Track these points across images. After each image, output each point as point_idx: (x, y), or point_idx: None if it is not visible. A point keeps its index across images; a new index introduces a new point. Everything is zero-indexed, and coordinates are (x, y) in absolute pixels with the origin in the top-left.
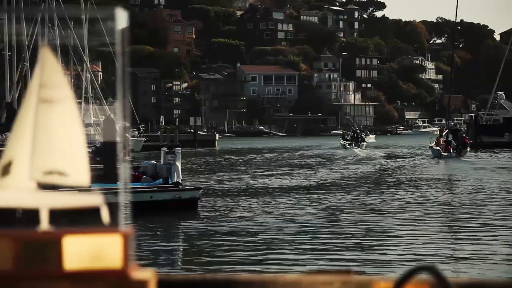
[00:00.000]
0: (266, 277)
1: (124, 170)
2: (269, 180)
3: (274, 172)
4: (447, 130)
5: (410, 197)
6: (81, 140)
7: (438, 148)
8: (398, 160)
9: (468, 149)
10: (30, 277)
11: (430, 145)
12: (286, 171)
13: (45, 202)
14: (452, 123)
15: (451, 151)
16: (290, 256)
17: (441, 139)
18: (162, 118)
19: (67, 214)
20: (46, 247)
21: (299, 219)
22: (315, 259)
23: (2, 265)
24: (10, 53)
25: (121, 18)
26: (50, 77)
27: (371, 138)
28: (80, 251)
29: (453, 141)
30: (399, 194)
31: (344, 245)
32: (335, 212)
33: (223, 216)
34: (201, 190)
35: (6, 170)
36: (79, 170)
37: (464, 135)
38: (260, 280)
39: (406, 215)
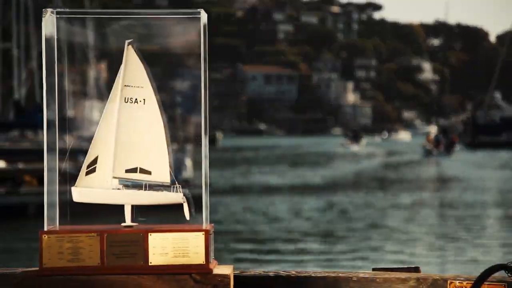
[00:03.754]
0: (340, 273)
1: (204, 168)
2: (272, 177)
3: (277, 169)
4: (439, 130)
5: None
6: (162, 139)
7: (427, 147)
8: (394, 157)
9: (458, 148)
10: (117, 271)
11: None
12: (288, 169)
13: (129, 199)
14: (446, 123)
15: (442, 149)
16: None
17: (431, 138)
18: None
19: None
20: (132, 243)
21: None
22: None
23: (91, 260)
24: (18, 49)
25: (203, 19)
26: (134, 77)
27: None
28: (165, 247)
29: (443, 140)
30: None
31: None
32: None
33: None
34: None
35: (91, 167)
36: (161, 167)
37: (453, 134)
38: (334, 276)
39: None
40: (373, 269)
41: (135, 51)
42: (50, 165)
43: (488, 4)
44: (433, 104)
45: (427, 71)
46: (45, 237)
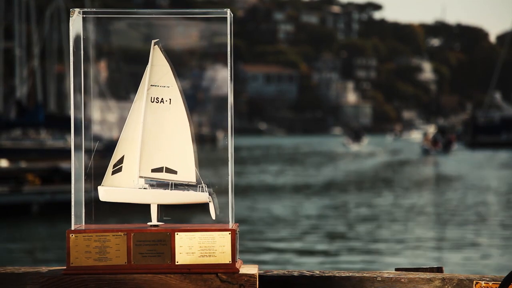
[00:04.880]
0: (364, 273)
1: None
2: (278, 176)
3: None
4: (437, 129)
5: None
6: (188, 138)
7: (426, 146)
8: (394, 156)
9: (456, 147)
10: (144, 270)
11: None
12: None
13: (155, 199)
14: (445, 123)
15: (440, 148)
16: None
17: (429, 138)
18: None
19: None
20: (159, 242)
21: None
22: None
23: (118, 259)
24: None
25: (230, 19)
26: (160, 76)
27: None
28: (191, 246)
29: (440, 139)
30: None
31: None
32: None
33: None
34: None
35: (118, 167)
36: (187, 167)
37: (450, 134)
38: (358, 276)
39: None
40: (396, 269)
41: (161, 50)
42: (75, 164)
43: (488, 4)
44: (433, 104)
45: (427, 71)
46: (72, 236)
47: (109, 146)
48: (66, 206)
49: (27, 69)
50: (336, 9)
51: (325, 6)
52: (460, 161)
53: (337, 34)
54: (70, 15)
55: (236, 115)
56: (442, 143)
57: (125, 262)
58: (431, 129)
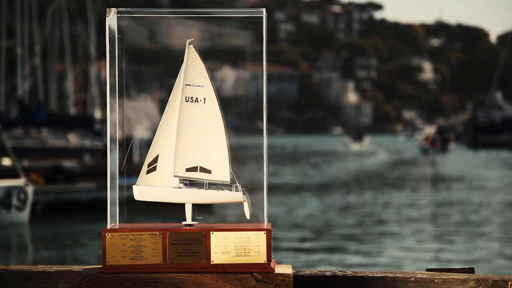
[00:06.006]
0: (397, 273)
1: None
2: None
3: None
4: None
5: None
6: (222, 138)
7: (424, 146)
8: (394, 155)
9: (454, 147)
10: (179, 269)
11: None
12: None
13: (190, 198)
14: (445, 123)
15: (438, 147)
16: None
17: (428, 137)
18: None
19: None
20: (195, 242)
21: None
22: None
23: (153, 258)
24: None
25: (265, 18)
26: (195, 76)
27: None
28: (226, 246)
29: (439, 139)
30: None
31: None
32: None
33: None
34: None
35: (152, 166)
36: (221, 166)
37: (448, 134)
38: (391, 276)
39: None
40: (427, 270)
41: (195, 50)
42: (109, 164)
43: (488, 4)
44: (433, 104)
45: (427, 71)
46: (108, 235)
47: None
48: (69, 206)
49: (29, 68)
50: (336, 8)
51: (326, 6)
52: (457, 160)
53: (338, 33)
54: (107, 15)
55: (236, 115)
56: (440, 143)
57: (161, 261)
58: (430, 129)
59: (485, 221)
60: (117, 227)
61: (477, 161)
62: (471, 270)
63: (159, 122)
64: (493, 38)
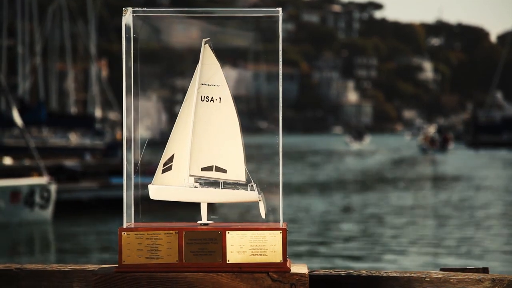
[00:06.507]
0: (412, 273)
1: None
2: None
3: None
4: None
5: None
6: (238, 137)
7: (424, 145)
8: (394, 154)
9: (453, 146)
10: (195, 269)
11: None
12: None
13: (206, 197)
14: (446, 123)
15: (437, 147)
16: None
17: (427, 137)
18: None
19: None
20: (211, 241)
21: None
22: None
23: (169, 257)
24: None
25: (281, 18)
26: (211, 76)
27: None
28: (242, 245)
29: (438, 138)
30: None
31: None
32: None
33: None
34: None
35: (168, 165)
36: (236, 165)
37: (447, 133)
38: (406, 276)
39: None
40: (441, 269)
41: (211, 49)
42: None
43: (488, 4)
44: (433, 104)
45: (428, 71)
46: (124, 234)
47: (112, 145)
48: (71, 205)
49: (29, 67)
50: (337, 8)
51: (326, 5)
52: (456, 159)
53: (338, 33)
54: (123, 14)
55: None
56: (439, 142)
57: (177, 260)
58: (429, 129)
59: (489, 221)
60: (133, 226)
61: (477, 161)
62: (485, 270)
63: (158, 122)
64: (493, 37)
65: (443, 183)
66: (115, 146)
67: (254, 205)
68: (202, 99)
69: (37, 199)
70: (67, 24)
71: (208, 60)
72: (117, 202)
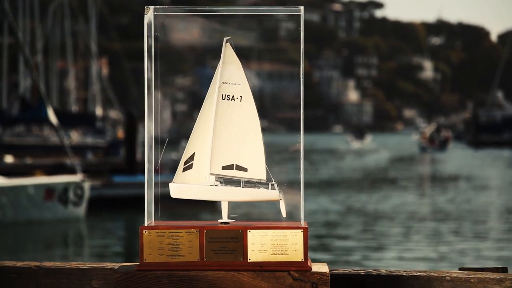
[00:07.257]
0: (432, 272)
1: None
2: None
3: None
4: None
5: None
6: (258, 136)
7: (422, 144)
8: (394, 153)
9: (452, 145)
10: (216, 267)
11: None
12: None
13: (226, 196)
14: (446, 122)
15: (437, 146)
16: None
17: (426, 135)
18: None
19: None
20: (232, 240)
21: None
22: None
23: (190, 256)
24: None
25: (302, 16)
26: (231, 74)
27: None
28: (263, 244)
29: (437, 137)
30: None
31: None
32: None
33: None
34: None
35: (188, 164)
36: (257, 164)
37: (446, 133)
38: (426, 275)
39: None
40: (460, 269)
41: (232, 48)
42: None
43: (489, 3)
44: (434, 103)
45: (428, 70)
46: (145, 232)
47: (114, 143)
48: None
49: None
50: (337, 7)
51: (327, 4)
52: (456, 158)
53: (338, 32)
54: (145, 12)
55: None
56: (438, 141)
57: (198, 259)
58: (428, 128)
59: (492, 220)
60: (153, 224)
61: (476, 160)
62: (504, 270)
63: (158, 121)
64: (494, 37)
65: (443, 182)
66: (117, 145)
67: (274, 203)
68: (223, 98)
69: (71, 196)
70: (68, 22)
71: (229, 59)
72: (120, 201)
